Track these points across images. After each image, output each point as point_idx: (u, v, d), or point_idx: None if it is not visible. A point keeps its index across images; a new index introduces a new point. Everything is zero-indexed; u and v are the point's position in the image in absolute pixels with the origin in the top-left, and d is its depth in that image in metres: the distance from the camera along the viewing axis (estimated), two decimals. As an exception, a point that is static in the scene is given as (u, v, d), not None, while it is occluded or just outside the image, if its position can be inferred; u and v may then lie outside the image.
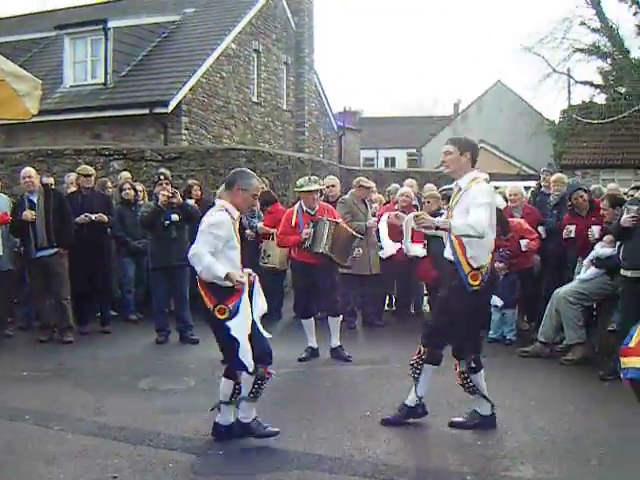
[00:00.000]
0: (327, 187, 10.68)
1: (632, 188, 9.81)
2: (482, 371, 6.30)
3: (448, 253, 6.16)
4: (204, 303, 5.74)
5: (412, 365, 6.37)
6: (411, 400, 6.39)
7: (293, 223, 8.92)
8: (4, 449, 5.80)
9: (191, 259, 5.61)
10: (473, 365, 6.25)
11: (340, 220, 9.21)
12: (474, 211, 5.77)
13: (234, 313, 5.61)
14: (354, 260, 9.37)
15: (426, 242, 10.13)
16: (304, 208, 8.93)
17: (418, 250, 10.37)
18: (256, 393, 5.82)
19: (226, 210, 5.80)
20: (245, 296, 5.66)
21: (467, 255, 5.97)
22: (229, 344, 5.66)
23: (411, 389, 6.39)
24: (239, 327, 5.56)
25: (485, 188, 6.01)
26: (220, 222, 5.71)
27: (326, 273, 9.01)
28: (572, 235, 9.15)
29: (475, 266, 5.97)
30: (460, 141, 6.31)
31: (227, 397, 5.90)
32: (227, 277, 5.49)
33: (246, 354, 5.51)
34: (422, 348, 6.31)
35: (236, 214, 5.84)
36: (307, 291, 9.12)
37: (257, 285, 5.91)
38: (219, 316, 5.65)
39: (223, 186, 6.04)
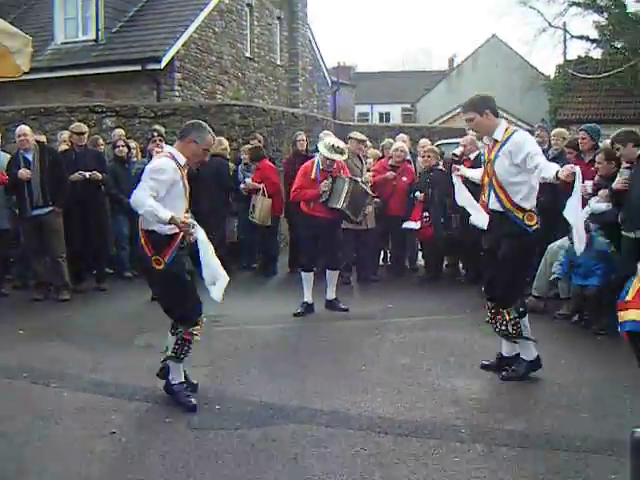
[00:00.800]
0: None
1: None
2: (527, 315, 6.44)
3: (494, 204, 6.23)
4: (144, 252, 5.69)
5: (514, 330, 6.37)
6: (529, 355, 6.46)
7: (312, 176, 8.98)
8: (2, 407, 5.84)
9: (133, 204, 5.49)
10: (522, 309, 6.38)
11: (359, 178, 9.35)
12: (535, 160, 5.89)
13: (169, 264, 5.64)
14: (364, 216, 9.47)
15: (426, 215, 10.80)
16: (321, 166, 8.97)
17: (415, 225, 10.92)
18: (178, 353, 5.83)
19: (172, 157, 5.68)
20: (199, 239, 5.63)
21: (515, 200, 6.10)
22: (171, 296, 5.81)
23: (524, 346, 6.45)
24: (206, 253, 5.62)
25: (525, 135, 6.20)
26: (162, 167, 5.57)
27: (333, 227, 9.18)
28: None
29: (528, 207, 6.11)
30: (473, 103, 6.30)
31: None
32: (172, 220, 5.39)
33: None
34: (505, 311, 6.34)
35: (183, 160, 5.71)
36: (314, 244, 9.22)
37: (202, 238, 5.71)
38: (156, 266, 5.65)
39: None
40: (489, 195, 6.27)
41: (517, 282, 6.44)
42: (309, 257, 9.34)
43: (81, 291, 10.50)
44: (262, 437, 5.14)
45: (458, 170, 7.03)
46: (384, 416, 5.53)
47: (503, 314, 6.34)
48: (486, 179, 6.30)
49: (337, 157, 8.83)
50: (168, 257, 5.64)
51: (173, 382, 5.90)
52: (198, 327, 5.89)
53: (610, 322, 7.59)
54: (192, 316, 5.84)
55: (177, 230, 5.57)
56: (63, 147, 11.32)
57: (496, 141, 6.19)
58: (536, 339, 6.47)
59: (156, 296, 6.16)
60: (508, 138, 6.10)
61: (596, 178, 8.58)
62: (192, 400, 5.81)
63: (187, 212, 5.84)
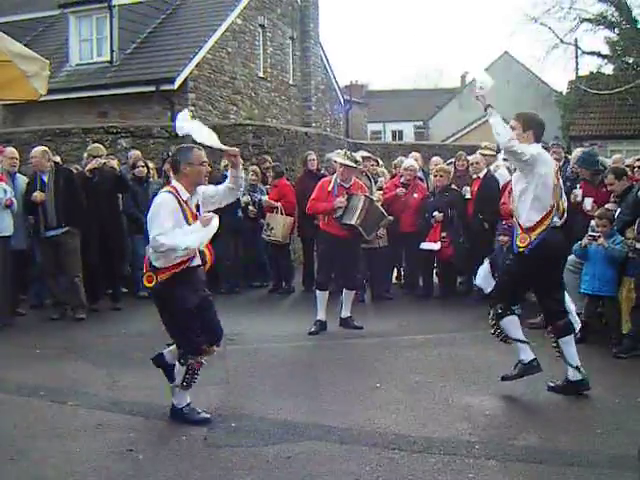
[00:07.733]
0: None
1: (638, 159, 9.77)
2: (513, 317, 6.43)
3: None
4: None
5: (495, 332, 6.50)
6: (526, 356, 6.49)
7: (329, 189, 9.02)
8: (20, 426, 5.89)
9: (158, 248, 5.43)
10: (500, 311, 6.37)
11: (375, 198, 9.35)
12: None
13: (162, 286, 5.57)
14: (376, 237, 9.50)
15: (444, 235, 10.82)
16: (339, 181, 9.01)
17: (434, 246, 10.87)
18: (189, 382, 5.82)
19: (174, 190, 5.64)
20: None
21: (521, 216, 6.19)
22: (176, 328, 5.73)
23: (519, 349, 6.50)
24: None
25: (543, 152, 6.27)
26: (164, 200, 5.56)
27: (352, 246, 9.16)
28: (579, 199, 9.09)
29: (526, 226, 6.13)
30: (525, 117, 6.35)
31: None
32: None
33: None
34: (491, 310, 6.44)
35: (186, 195, 5.64)
36: (330, 263, 9.25)
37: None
38: (146, 284, 5.68)
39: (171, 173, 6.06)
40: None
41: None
42: (325, 275, 9.34)
43: (97, 310, 10.58)
44: (277, 454, 5.17)
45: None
46: (398, 433, 5.56)
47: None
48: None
49: (350, 163, 8.82)
50: (163, 277, 5.57)
51: (180, 406, 5.90)
52: (205, 356, 5.87)
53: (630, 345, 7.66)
54: (196, 346, 5.76)
55: (183, 259, 5.59)
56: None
57: None
58: (529, 341, 6.56)
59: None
60: None
61: (611, 200, 8.60)
62: (204, 414, 5.87)
63: None
